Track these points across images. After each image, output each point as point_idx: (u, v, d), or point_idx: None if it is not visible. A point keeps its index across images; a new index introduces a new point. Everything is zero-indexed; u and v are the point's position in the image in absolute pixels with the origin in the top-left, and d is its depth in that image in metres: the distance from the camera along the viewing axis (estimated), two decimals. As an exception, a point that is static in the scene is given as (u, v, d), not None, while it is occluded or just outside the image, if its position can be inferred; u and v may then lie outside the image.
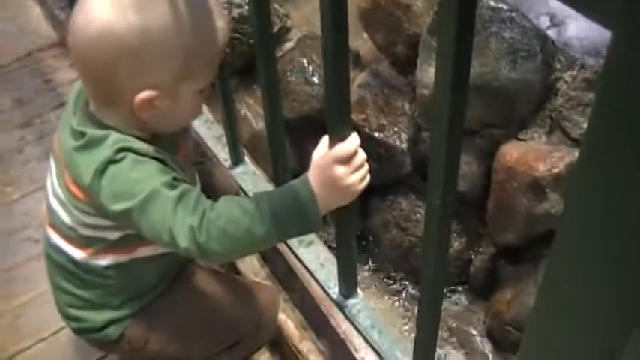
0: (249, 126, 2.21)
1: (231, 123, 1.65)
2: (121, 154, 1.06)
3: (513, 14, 1.73)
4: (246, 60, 2.15)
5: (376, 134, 1.99)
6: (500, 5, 1.73)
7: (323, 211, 1.08)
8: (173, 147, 1.18)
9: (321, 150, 1.10)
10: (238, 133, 1.70)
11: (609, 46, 0.49)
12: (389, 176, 2.05)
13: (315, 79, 2.11)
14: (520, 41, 1.71)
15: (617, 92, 0.50)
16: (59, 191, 1.18)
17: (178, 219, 1.04)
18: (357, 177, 1.08)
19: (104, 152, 1.06)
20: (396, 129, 2.00)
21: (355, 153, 1.08)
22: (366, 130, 1.98)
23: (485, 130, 1.86)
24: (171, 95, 1.07)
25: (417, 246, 2.09)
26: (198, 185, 1.27)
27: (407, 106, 2.03)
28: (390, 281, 2.20)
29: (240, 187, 1.65)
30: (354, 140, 1.09)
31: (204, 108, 1.85)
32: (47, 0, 2.61)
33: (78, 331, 1.32)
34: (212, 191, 1.31)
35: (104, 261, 1.21)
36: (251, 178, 1.69)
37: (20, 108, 2.26)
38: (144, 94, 1.05)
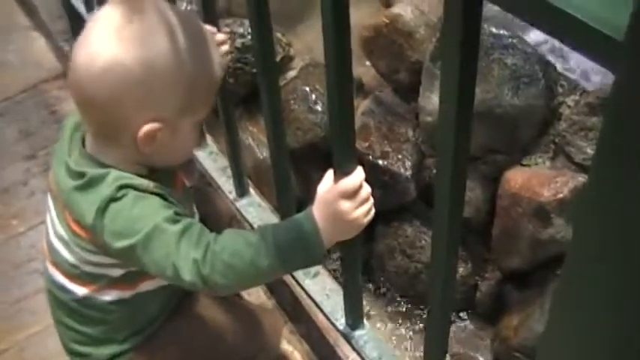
0: (253, 155, 2.20)
1: (235, 155, 1.66)
2: (122, 192, 1.06)
3: (515, 40, 1.73)
4: (250, 89, 2.14)
5: (380, 161, 1.99)
6: (501, 32, 1.74)
7: (327, 244, 1.09)
8: (170, 180, 1.19)
9: (326, 184, 1.11)
10: (243, 164, 1.70)
11: (612, 87, 0.50)
12: (393, 203, 2.05)
13: (319, 107, 2.10)
14: (522, 67, 1.71)
15: (622, 125, 0.50)
16: (60, 230, 1.18)
17: (182, 253, 1.04)
18: (361, 211, 1.09)
19: (105, 190, 1.07)
20: (400, 156, 1.99)
21: (360, 187, 1.09)
22: (370, 157, 1.98)
23: (489, 156, 1.86)
24: (172, 128, 1.09)
25: (422, 272, 2.08)
26: (197, 217, 1.27)
27: (410, 133, 2.02)
28: (396, 307, 2.19)
29: (245, 219, 1.65)
30: (358, 174, 1.10)
31: (209, 139, 1.86)
32: (52, 32, 2.63)
33: None
34: (214, 222, 1.31)
35: (107, 297, 1.21)
36: (256, 209, 1.70)
37: (26, 140, 2.28)
38: (148, 127, 1.05)
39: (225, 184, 1.77)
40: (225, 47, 1.35)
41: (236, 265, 1.04)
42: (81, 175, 1.10)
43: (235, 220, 1.70)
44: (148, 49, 1.03)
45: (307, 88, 2.13)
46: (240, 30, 2.10)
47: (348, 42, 0.98)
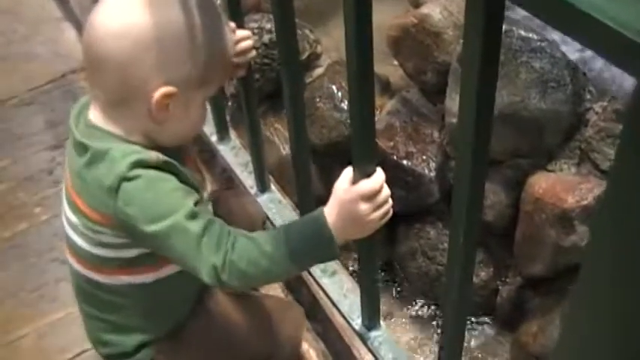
0: (277, 151, 2.20)
1: (258, 150, 1.65)
2: (135, 172, 1.05)
3: (544, 44, 1.72)
4: (276, 85, 2.13)
5: (404, 162, 1.98)
6: (530, 35, 1.72)
7: (340, 242, 1.09)
8: (179, 156, 1.18)
9: (344, 182, 1.10)
10: (265, 160, 1.70)
11: (634, 90, 0.49)
12: (416, 204, 2.04)
13: (344, 106, 2.09)
14: (550, 71, 1.70)
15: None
16: (71, 216, 1.17)
17: (202, 256, 1.06)
18: (379, 214, 1.09)
19: (115, 168, 1.05)
20: (424, 157, 1.98)
21: (380, 190, 1.08)
22: (394, 157, 1.97)
23: (514, 160, 1.84)
24: (185, 98, 1.09)
25: (443, 275, 2.07)
26: (206, 193, 1.27)
27: (436, 134, 2.02)
28: (416, 310, 2.18)
29: (265, 214, 1.65)
30: (379, 177, 1.09)
31: (232, 134, 1.86)
32: (82, 23, 2.64)
33: (108, 357, 1.31)
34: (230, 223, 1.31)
35: (126, 281, 1.20)
36: (277, 206, 1.69)
37: (52, 129, 2.29)
38: (164, 90, 1.05)
39: (247, 179, 1.77)
40: (247, 43, 1.35)
41: (253, 273, 1.07)
42: (84, 147, 1.09)
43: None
44: (166, 12, 1.04)
45: (334, 86, 2.12)
46: (268, 26, 2.09)
47: (370, 37, 0.97)
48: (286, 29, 1.28)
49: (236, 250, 1.06)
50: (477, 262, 2.15)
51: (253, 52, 1.40)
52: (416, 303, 2.19)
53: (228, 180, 1.79)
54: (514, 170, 1.86)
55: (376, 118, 2.17)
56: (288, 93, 1.35)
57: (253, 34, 2.00)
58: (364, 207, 1.07)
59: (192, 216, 1.06)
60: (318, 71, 2.18)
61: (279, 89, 2.13)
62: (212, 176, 1.87)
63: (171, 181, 1.07)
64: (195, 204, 1.07)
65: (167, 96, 1.06)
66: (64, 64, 2.57)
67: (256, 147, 1.65)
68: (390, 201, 1.10)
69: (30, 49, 2.69)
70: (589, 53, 1.76)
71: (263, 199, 1.71)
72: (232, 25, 1.30)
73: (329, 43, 2.28)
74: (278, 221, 1.63)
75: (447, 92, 1.87)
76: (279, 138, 2.21)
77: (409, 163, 1.98)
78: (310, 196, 1.49)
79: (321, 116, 2.11)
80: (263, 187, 1.73)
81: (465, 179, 0.90)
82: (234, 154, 1.85)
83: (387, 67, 2.28)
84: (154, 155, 1.08)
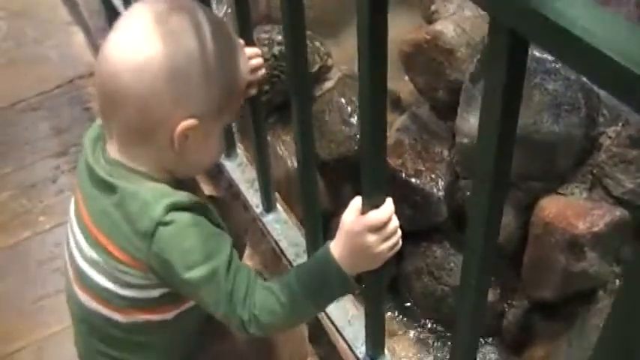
0: (285, 165, 2.17)
1: (264, 169, 1.62)
2: (170, 216, 1.03)
3: (558, 65, 1.68)
4: (285, 98, 2.07)
5: (413, 180, 1.95)
6: (544, 56, 1.69)
7: (351, 274, 1.09)
8: (193, 188, 1.18)
9: (352, 213, 1.08)
10: (272, 179, 1.67)
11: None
12: (424, 223, 2.01)
13: (354, 120, 2.07)
14: (564, 94, 1.67)
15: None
16: (92, 253, 1.12)
17: (233, 308, 1.07)
18: (387, 245, 1.07)
19: (149, 211, 1.03)
20: (433, 175, 1.95)
21: (389, 221, 1.06)
22: (403, 175, 1.95)
23: (525, 182, 1.81)
24: (205, 129, 1.07)
25: (449, 295, 2.04)
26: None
27: (445, 153, 1.99)
28: (421, 329, 2.15)
29: (270, 234, 1.62)
30: (388, 208, 1.07)
31: (239, 148, 1.83)
32: (90, 27, 2.63)
33: None
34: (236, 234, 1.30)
35: (149, 320, 1.17)
36: (282, 226, 1.66)
37: (57, 136, 2.27)
38: (187, 123, 1.03)
39: (253, 197, 1.74)
40: (257, 61, 1.33)
41: (276, 322, 1.10)
42: (111, 187, 1.06)
43: (260, 235, 1.68)
44: (184, 42, 1.02)
45: (343, 100, 2.10)
46: (279, 37, 2.06)
47: (384, 54, 0.94)
48: (296, 41, 1.24)
49: (257, 305, 1.07)
50: (484, 283, 2.15)
51: (263, 70, 1.38)
52: (421, 323, 2.16)
53: (234, 195, 1.76)
54: (524, 193, 1.82)
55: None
56: (295, 106, 1.32)
57: (263, 45, 1.98)
58: (372, 239, 1.05)
59: (229, 263, 1.06)
60: (328, 84, 2.14)
61: (288, 101, 2.11)
62: (218, 191, 1.84)
63: (206, 225, 1.06)
64: (231, 249, 1.08)
65: (189, 128, 1.04)
66: (72, 69, 2.56)
67: (263, 166, 1.62)
68: (399, 232, 1.09)
69: (40, 52, 2.68)
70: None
71: (268, 219, 1.68)
72: (240, 41, 1.27)
73: (340, 55, 2.25)
74: (283, 243, 1.60)
75: (459, 111, 1.85)
76: (287, 152, 2.18)
77: (418, 182, 1.95)
78: (316, 212, 1.46)
79: (330, 130, 2.08)
80: (269, 207, 1.70)
81: (482, 205, 0.86)
82: (240, 170, 1.82)
83: (397, 83, 2.25)
84: (185, 196, 1.06)
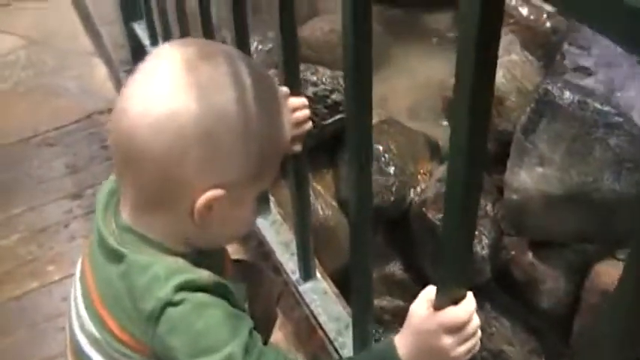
0: (315, 216, 2.04)
1: (304, 231, 1.44)
2: (181, 296, 0.86)
3: (621, 119, 1.57)
4: (318, 143, 1.99)
5: (454, 237, 1.82)
6: (606, 108, 1.57)
7: None
8: (220, 266, 1.00)
9: (423, 306, 0.91)
10: (312, 242, 1.49)
11: None
12: (465, 284, 1.87)
13: (391, 170, 1.97)
14: (627, 150, 1.56)
15: None
16: (92, 328, 0.96)
17: None
18: (465, 348, 0.89)
19: (157, 289, 0.86)
20: (476, 232, 1.81)
21: (469, 321, 0.89)
22: (444, 230, 1.82)
23: (579, 244, 1.72)
24: (235, 198, 0.90)
25: (489, 361, 1.90)
26: (247, 304, 1.08)
27: (489, 208, 1.87)
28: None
29: (307, 306, 1.44)
30: (469, 306, 0.89)
31: (272, 203, 1.67)
32: (113, 60, 2.51)
33: None
34: (254, 301, 1.11)
35: None
36: (321, 297, 1.47)
37: (72, 175, 2.14)
38: (211, 194, 0.86)
39: (289, 262, 1.55)
40: (304, 113, 1.15)
41: None
42: (119, 256, 0.91)
43: (294, 301, 1.51)
44: (219, 98, 0.85)
45: (380, 147, 1.99)
46: (313, 78, 1.95)
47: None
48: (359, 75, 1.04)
49: None
50: (528, 350, 2.01)
51: (310, 124, 1.19)
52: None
53: (265, 255, 1.58)
54: (578, 255, 1.73)
55: (425, 185, 2.07)
56: (353, 147, 1.10)
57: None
58: (448, 341, 0.88)
59: (246, 350, 0.88)
60: None
61: (321, 147, 2.03)
62: (246, 251, 1.67)
63: (222, 307, 0.89)
64: (250, 333, 0.90)
65: (214, 200, 0.87)
66: (92, 103, 2.44)
67: (303, 227, 1.43)
68: (479, 332, 0.92)
69: (58, 83, 2.56)
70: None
71: (305, 288, 1.49)
72: (285, 90, 1.12)
73: (373, 96, 2.14)
74: (322, 317, 1.43)
75: (508, 165, 1.73)
76: (318, 200, 2.06)
77: (459, 238, 1.82)
78: (368, 284, 1.26)
79: None
80: (307, 274, 1.51)
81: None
82: (274, 230, 1.62)
83: (436, 129, 2.15)
84: (205, 275, 0.89)
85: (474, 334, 0.90)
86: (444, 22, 2.52)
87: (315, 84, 1.94)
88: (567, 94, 1.59)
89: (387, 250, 2.02)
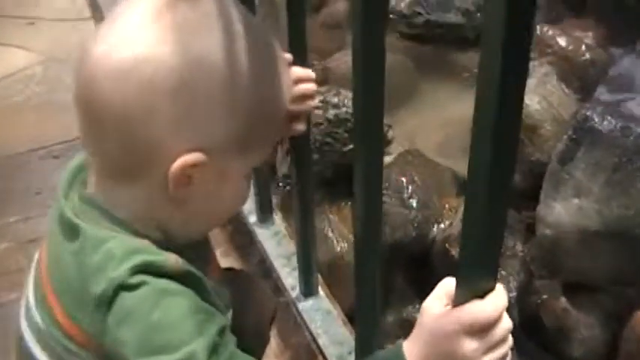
0: (330, 248, 1.96)
1: (307, 242, 1.33)
2: (138, 279, 0.72)
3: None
4: (337, 171, 1.93)
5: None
6: (651, 134, 1.50)
7: None
8: (204, 260, 0.86)
9: (439, 303, 0.75)
10: (315, 255, 1.37)
11: None
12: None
13: (414, 203, 1.88)
14: (674, 182, 1.47)
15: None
16: (36, 317, 0.81)
17: None
18: (492, 358, 0.72)
19: (110, 269, 0.72)
20: (504, 273, 1.75)
21: (498, 319, 0.72)
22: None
23: (617, 287, 1.60)
24: (219, 170, 0.77)
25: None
26: (230, 312, 0.93)
27: (519, 247, 1.80)
28: None
29: (307, 326, 1.31)
30: (499, 299, 0.72)
31: (277, 217, 1.56)
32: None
33: None
34: (243, 317, 0.95)
35: None
36: (323, 317, 1.35)
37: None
38: (190, 157, 0.73)
39: (288, 277, 1.43)
40: (308, 86, 1.03)
41: None
42: (75, 230, 0.77)
43: (293, 324, 1.38)
44: (196, 44, 0.72)
45: (403, 179, 1.92)
46: (335, 100, 1.89)
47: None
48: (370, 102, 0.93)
49: None
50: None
51: (316, 101, 1.07)
52: None
53: (265, 273, 1.46)
54: (616, 300, 1.62)
55: (449, 223, 1.96)
56: (360, 176, 0.99)
57: (317, 108, 1.76)
58: (470, 346, 0.70)
59: (213, 351, 0.72)
60: (387, 159, 1.94)
61: (339, 175, 1.94)
62: (248, 267, 1.55)
63: (189, 297, 0.74)
64: (220, 333, 0.74)
65: (192, 166, 0.74)
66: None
67: (305, 237, 1.32)
68: (511, 340, 0.75)
69: (70, 100, 2.52)
70: None
71: (306, 306, 1.36)
72: (288, 57, 0.99)
73: (399, 132, 2.11)
74: (323, 339, 1.29)
75: (542, 197, 1.63)
76: (334, 232, 1.97)
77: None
78: (374, 308, 1.12)
79: (385, 212, 1.85)
80: (308, 290, 1.38)
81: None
82: (276, 241, 1.51)
83: (464, 164, 2.04)
84: (171, 259, 0.75)
85: (503, 339, 0.73)
86: (474, 60, 2.47)
87: (336, 106, 1.88)
88: (608, 119, 1.49)
89: (407, 291, 1.91)
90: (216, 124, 0.74)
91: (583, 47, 1.89)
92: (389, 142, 1.99)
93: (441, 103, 2.35)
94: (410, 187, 1.89)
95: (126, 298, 0.71)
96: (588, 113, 1.52)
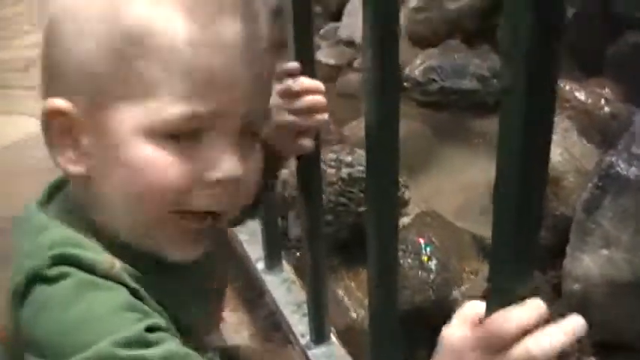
0: (346, 315, 1.87)
1: (318, 285, 1.27)
2: (59, 270, 0.63)
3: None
4: (352, 233, 1.86)
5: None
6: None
7: None
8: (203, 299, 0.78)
9: (461, 325, 0.65)
10: (326, 301, 1.30)
11: None
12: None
13: (432, 265, 1.80)
14: None
15: None
16: None
17: None
18: None
19: (28, 259, 0.64)
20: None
21: (518, 333, 0.61)
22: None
23: None
24: (95, 124, 0.67)
25: None
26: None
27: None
28: None
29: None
30: (533, 308, 0.63)
31: (286, 267, 1.49)
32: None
33: None
34: None
35: None
36: None
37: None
38: (49, 103, 0.67)
39: (299, 323, 1.36)
40: (315, 98, 0.94)
41: None
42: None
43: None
44: None
45: (421, 241, 1.84)
46: (349, 159, 1.84)
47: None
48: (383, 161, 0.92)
49: None
50: None
51: (325, 116, 0.97)
52: None
53: (272, 327, 1.39)
54: None
55: (470, 284, 1.88)
56: (374, 238, 0.93)
57: (330, 167, 1.71)
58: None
59: (132, 345, 0.60)
60: (404, 220, 1.88)
61: (354, 238, 1.87)
62: (255, 321, 1.47)
63: (117, 292, 0.64)
64: (151, 329, 0.63)
65: (55, 112, 0.66)
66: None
67: (317, 280, 1.27)
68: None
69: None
70: None
71: (316, 354, 1.29)
72: (295, 66, 0.93)
73: (417, 196, 2.06)
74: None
75: (568, 251, 1.55)
76: (350, 298, 1.88)
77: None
78: None
79: (404, 275, 1.80)
80: (319, 337, 1.31)
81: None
82: (285, 288, 1.45)
83: (484, 227, 1.98)
84: (106, 262, 0.65)
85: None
86: (492, 126, 2.45)
87: (350, 165, 1.83)
88: (635, 165, 1.42)
89: (425, 352, 1.81)
90: (67, 58, 0.67)
91: (602, 101, 1.83)
92: (406, 203, 1.94)
93: (458, 168, 2.32)
94: (428, 249, 1.82)
95: (42, 291, 0.63)
96: (614, 159, 1.45)
